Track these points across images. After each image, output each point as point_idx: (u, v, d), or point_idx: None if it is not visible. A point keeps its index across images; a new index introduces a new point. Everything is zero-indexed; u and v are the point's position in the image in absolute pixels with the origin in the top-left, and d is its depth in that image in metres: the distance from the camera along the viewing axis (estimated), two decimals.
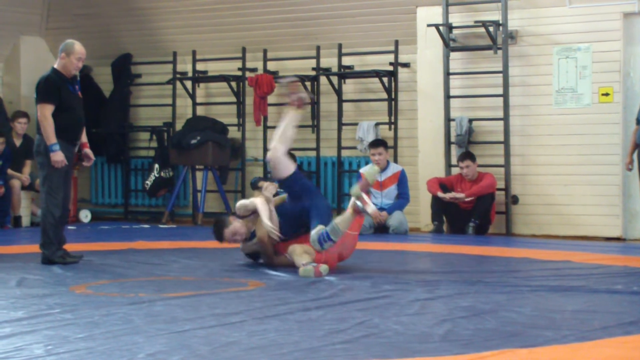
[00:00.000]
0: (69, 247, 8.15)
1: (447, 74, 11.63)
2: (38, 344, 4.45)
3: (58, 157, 7.80)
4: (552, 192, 11.25)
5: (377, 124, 12.16)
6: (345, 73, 12.46)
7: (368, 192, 7.46)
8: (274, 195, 12.13)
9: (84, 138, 8.20)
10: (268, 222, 7.46)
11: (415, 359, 4.21)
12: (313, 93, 12.63)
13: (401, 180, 11.13)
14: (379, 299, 5.93)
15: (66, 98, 7.92)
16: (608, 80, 10.96)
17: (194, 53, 13.38)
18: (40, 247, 7.94)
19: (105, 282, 6.89)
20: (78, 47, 7.95)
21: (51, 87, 7.87)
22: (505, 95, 11.29)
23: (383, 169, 10.95)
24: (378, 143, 11.30)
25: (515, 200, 11.35)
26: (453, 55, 11.64)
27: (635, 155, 10.29)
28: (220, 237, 7.81)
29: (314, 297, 6.00)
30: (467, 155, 11.22)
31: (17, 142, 12.52)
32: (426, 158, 11.85)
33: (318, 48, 12.61)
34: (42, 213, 7.98)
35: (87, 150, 8.23)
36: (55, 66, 8.00)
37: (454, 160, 11.56)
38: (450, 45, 11.57)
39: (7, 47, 13.78)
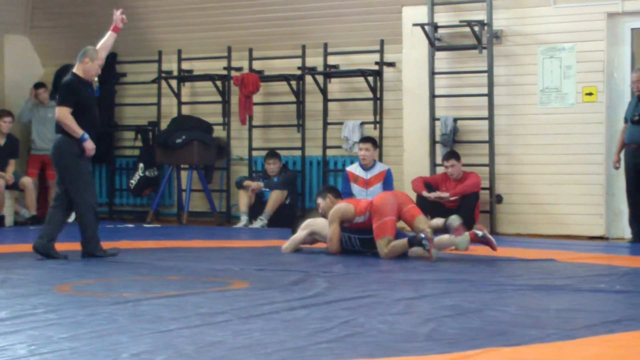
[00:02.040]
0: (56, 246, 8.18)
1: (433, 73, 11.64)
2: (21, 344, 4.43)
3: (90, 144, 8.28)
4: (537, 191, 11.28)
5: (362, 123, 12.17)
6: (331, 72, 12.46)
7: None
8: (259, 194, 12.15)
9: None
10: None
11: (400, 358, 4.21)
12: (298, 92, 12.64)
13: (387, 180, 11.12)
14: (364, 298, 5.93)
15: (86, 100, 8.31)
16: (592, 80, 11.01)
17: (179, 52, 13.35)
18: (81, 244, 8.27)
19: (89, 281, 6.87)
20: (100, 54, 8.43)
21: (71, 92, 8.24)
22: (490, 95, 11.32)
23: (369, 167, 10.94)
24: (367, 139, 11.27)
25: (499, 199, 11.38)
26: (438, 54, 11.66)
27: (622, 154, 10.34)
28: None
29: (299, 296, 5.99)
30: (452, 155, 11.24)
31: (2, 141, 12.45)
32: (411, 157, 11.86)
33: (303, 47, 12.61)
34: (79, 214, 8.31)
35: None
36: (75, 71, 8.31)
37: (439, 160, 11.57)
38: (435, 44, 11.59)
39: None
